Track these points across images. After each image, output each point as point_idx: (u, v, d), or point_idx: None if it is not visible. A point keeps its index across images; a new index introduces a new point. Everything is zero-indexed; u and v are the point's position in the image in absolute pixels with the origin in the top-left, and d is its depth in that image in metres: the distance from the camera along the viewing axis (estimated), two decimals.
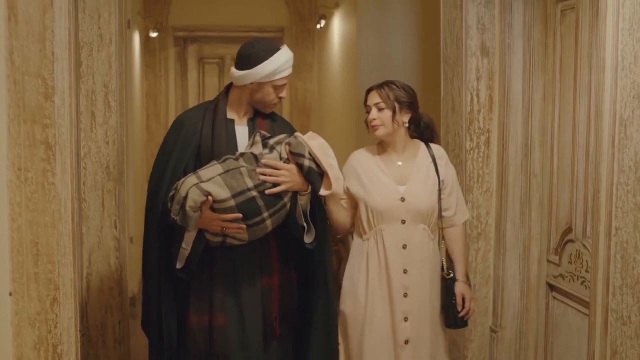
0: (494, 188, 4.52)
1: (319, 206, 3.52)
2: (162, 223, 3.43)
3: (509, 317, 4.53)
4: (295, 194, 3.38)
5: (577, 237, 3.95)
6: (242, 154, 3.35)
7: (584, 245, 3.87)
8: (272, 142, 3.41)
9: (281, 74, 3.47)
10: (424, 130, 3.80)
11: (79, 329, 3.11)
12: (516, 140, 4.38)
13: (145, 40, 9.37)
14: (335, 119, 8.48)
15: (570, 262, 4.03)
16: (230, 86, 3.58)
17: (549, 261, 4.28)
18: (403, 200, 3.64)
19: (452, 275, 3.76)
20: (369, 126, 3.72)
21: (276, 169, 3.32)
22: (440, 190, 3.71)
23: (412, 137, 3.78)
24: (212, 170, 3.28)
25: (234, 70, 3.51)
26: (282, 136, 3.44)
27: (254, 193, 3.27)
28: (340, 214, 3.70)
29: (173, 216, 3.28)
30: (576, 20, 3.93)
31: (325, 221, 3.62)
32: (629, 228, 3.13)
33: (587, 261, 3.83)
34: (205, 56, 10.21)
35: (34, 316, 2.90)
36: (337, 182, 3.39)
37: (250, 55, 3.45)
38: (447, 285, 3.75)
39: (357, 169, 3.74)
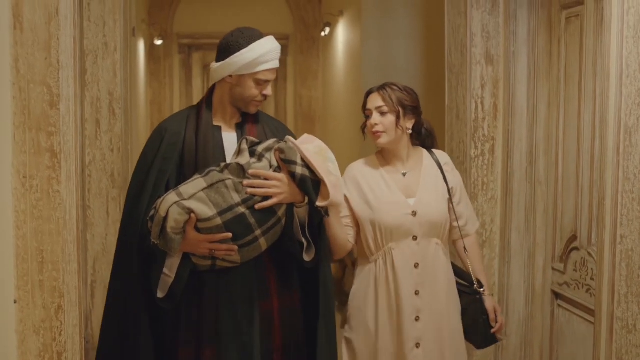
0: (499, 195, 4.51)
1: (319, 219, 3.11)
2: (140, 247, 2.98)
3: (514, 325, 4.52)
4: (290, 207, 3.00)
5: (582, 244, 3.94)
6: (227, 165, 2.95)
7: (588, 253, 3.86)
8: (260, 148, 3.01)
9: (262, 66, 3.06)
10: (425, 137, 3.49)
11: (83, 336, 3.11)
12: (521, 147, 4.38)
13: (150, 48, 9.39)
14: (340, 126, 8.49)
15: (575, 270, 4.02)
16: (213, 88, 3.20)
17: (553, 269, 4.27)
18: (414, 214, 3.29)
19: (483, 289, 3.45)
20: (366, 133, 3.40)
21: (266, 179, 2.93)
22: (449, 199, 3.41)
23: (413, 145, 3.46)
24: (194, 185, 2.90)
25: (212, 64, 3.14)
26: (271, 141, 3.04)
27: (242, 209, 2.89)
28: (340, 230, 3.29)
29: (153, 240, 2.87)
30: (581, 28, 3.93)
31: (326, 237, 3.21)
32: (634, 236, 3.12)
33: (592, 269, 3.82)
34: (209, 63, 10.22)
35: (38, 323, 2.90)
36: (335, 190, 2.98)
37: (228, 43, 3.08)
38: (476, 300, 3.45)
39: (360, 183, 3.38)
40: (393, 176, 3.38)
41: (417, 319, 3.29)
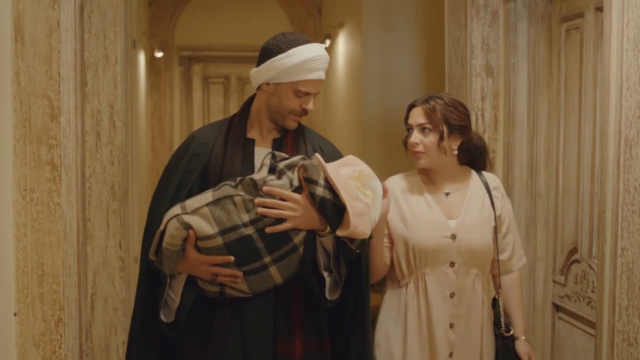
0: None
1: (351, 254, 2.72)
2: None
3: None
4: (312, 234, 2.63)
5: (582, 257, 3.94)
6: (242, 180, 2.63)
7: (589, 266, 3.85)
8: (282, 165, 2.65)
9: (303, 75, 2.71)
10: (476, 157, 3.15)
11: (83, 349, 3.10)
12: (521, 160, 4.38)
13: (150, 60, 9.40)
14: (340, 138, 8.48)
15: (576, 282, 4.01)
16: (252, 98, 2.90)
17: (554, 281, 4.26)
18: (454, 237, 2.97)
19: (511, 332, 3.14)
20: (407, 149, 3.06)
21: (281, 199, 2.58)
22: (496, 227, 3.07)
23: (461, 164, 3.13)
24: (201, 198, 2.63)
25: (252, 70, 2.83)
26: (296, 158, 2.69)
27: (249, 230, 2.56)
28: (380, 255, 2.99)
29: (150, 255, 2.64)
30: (580, 40, 3.93)
31: (363, 272, 2.83)
32: (634, 248, 3.12)
33: (592, 281, 3.81)
34: (210, 76, 10.24)
35: (38, 336, 2.90)
36: (359, 219, 2.58)
37: (268, 46, 2.76)
38: (505, 344, 3.13)
39: (397, 198, 3.04)
40: (435, 195, 3.05)
41: (450, 355, 2.99)
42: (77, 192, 3.02)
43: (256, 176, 2.63)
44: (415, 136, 2.98)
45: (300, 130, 2.87)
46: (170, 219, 2.59)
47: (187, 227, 2.57)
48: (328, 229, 2.61)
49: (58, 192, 2.86)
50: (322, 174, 2.61)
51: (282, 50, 2.71)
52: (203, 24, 9.72)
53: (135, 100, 6.50)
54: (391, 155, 7.07)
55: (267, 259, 2.59)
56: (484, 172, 3.14)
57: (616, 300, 3.17)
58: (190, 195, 2.72)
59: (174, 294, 2.66)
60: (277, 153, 2.71)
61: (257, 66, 2.78)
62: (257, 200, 2.58)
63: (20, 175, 2.82)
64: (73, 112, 2.93)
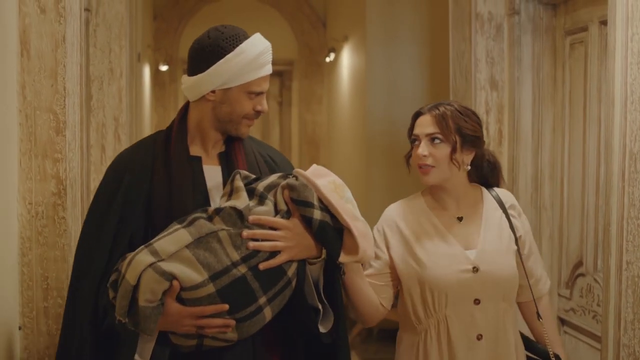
0: None
1: (336, 278, 2.40)
2: (95, 327, 2.26)
3: None
4: (302, 263, 2.27)
5: (587, 270, 3.93)
6: (218, 210, 2.21)
7: (594, 279, 3.84)
8: (260, 186, 2.28)
9: (256, 73, 2.33)
10: (488, 174, 2.76)
11: None
12: (526, 173, 4.37)
13: (155, 73, 9.42)
14: (345, 151, 8.49)
15: (581, 296, 4.00)
16: (186, 108, 2.45)
17: (559, 295, 4.25)
18: (475, 269, 2.55)
19: None
20: (410, 164, 2.68)
21: (272, 228, 2.21)
22: (518, 250, 2.67)
23: (470, 182, 2.73)
24: (175, 238, 2.17)
25: (184, 79, 2.40)
26: (274, 177, 2.32)
27: (242, 270, 2.16)
28: (365, 294, 2.54)
29: (119, 317, 2.14)
30: (585, 54, 3.93)
31: (342, 300, 2.48)
32: None
33: (598, 295, 3.80)
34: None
35: (43, 350, 2.89)
36: (365, 241, 2.27)
37: (205, 48, 2.32)
38: None
39: (401, 230, 2.63)
40: (446, 221, 2.63)
41: None
42: (82, 206, 3.03)
43: (237, 203, 2.21)
44: (424, 147, 2.57)
45: (244, 140, 2.46)
46: (144, 269, 2.11)
47: (170, 277, 2.11)
48: (323, 255, 2.28)
49: (63, 205, 2.86)
50: (314, 193, 2.26)
51: (226, 50, 2.30)
52: None
53: (140, 114, 6.51)
54: (396, 169, 7.07)
55: (262, 300, 2.19)
56: (495, 189, 2.74)
57: (622, 314, 3.16)
58: (133, 236, 2.29)
59: (141, 357, 2.19)
60: (242, 172, 2.31)
61: (192, 73, 2.35)
62: (246, 232, 2.18)
63: (25, 189, 2.82)
64: (78, 126, 2.93)
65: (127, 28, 4.62)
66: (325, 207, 2.26)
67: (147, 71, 8.02)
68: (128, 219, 2.31)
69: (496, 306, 2.58)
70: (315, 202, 2.25)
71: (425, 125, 2.60)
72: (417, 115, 2.65)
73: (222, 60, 2.30)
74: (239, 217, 2.20)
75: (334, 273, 2.37)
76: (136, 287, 2.12)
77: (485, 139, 4.28)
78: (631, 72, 3.08)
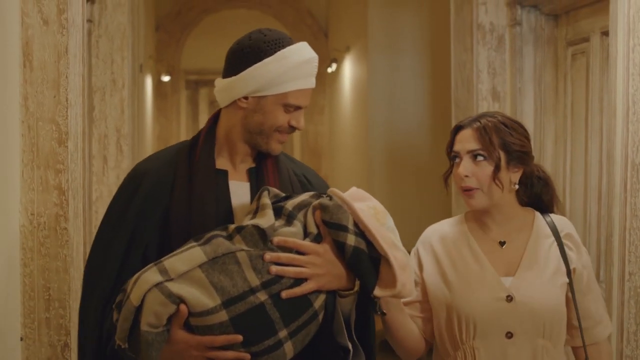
0: None
1: (369, 313, 2.13)
2: (100, 351, 2.05)
3: None
4: (332, 296, 2.00)
5: None
6: (240, 228, 1.95)
7: None
8: (289, 205, 2.01)
9: (295, 83, 2.10)
10: (540, 192, 2.43)
11: None
12: None
13: (157, 84, 9.45)
14: (346, 161, 8.50)
15: None
16: (216, 117, 2.23)
17: None
18: (510, 299, 2.25)
19: None
20: (448, 184, 2.38)
21: (300, 252, 1.95)
22: (570, 285, 2.33)
23: (522, 204, 2.41)
24: (187, 257, 1.92)
25: (217, 80, 2.20)
26: (305, 195, 2.06)
27: (262, 297, 1.89)
28: (408, 329, 2.30)
29: (119, 341, 1.91)
30: (587, 65, 3.94)
31: (374, 339, 2.21)
32: None
33: None
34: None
35: None
36: (404, 273, 1.99)
37: (244, 49, 2.10)
38: None
39: (436, 253, 2.37)
40: (486, 246, 2.35)
41: None
42: (84, 217, 3.03)
43: (261, 222, 1.95)
44: (466, 166, 2.26)
45: (278, 156, 2.22)
46: (149, 289, 1.87)
47: (178, 300, 1.86)
48: (356, 288, 2.00)
49: (65, 216, 2.86)
50: (350, 217, 1.99)
51: (266, 54, 2.07)
52: (209, 48, 9.77)
53: (142, 124, 6.52)
54: (397, 179, 7.09)
55: (283, 333, 1.91)
56: (552, 215, 2.42)
57: (624, 325, 3.15)
58: (147, 254, 2.07)
59: None
60: (271, 189, 2.06)
61: (226, 75, 2.14)
62: (269, 255, 1.92)
63: (27, 200, 2.82)
64: (80, 137, 2.94)
65: (129, 39, 4.63)
66: (362, 232, 1.99)
67: (149, 82, 8.04)
68: (142, 234, 2.08)
69: (533, 343, 2.26)
70: (350, 226, 1.98)
71: (467, 140, 2.28)
72: (458, 129, 2.33)
73: (259, 64, 2.07)
74: (261, 238, 1.93)
75: (367, 308, 2.08)
76: (139, 309, 1.87)
77: None
78: (633, 82, 3.08)
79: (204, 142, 2.16)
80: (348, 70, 8.41)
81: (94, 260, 2.14)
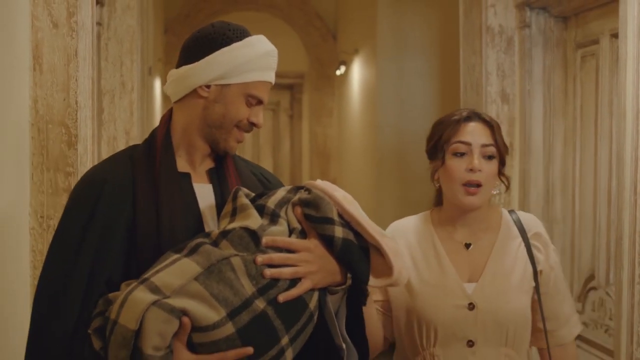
0: None
1: (359, 308, 1.99)
2: None
3: None
4: (324, 293, 1.90)
5: (599, 284, 3.91)
6: (225, 233, 1.81)
7: (607, 293, 3.83)
8: (270, 203, 1.88)
9: (261, 74, 1.98)
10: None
11: None
12: (537, 186, 4.36)
13: None
14: (355, 164, 8.49)
15: (593, 310, 3.98)
16: (169, 116, 2.06)
17: None
18: (472, 307, 2.17)
19: None
20: (435, 180, 2.28)
21: (289, 250, 1.83)
22: (537, 288, 2.25)
23: None
24: (178, 269, 1.76)
25: (172, 72, 2.03)
26: (281, 191, 1.93)
27: (261, 304, 1.76)
28: (376, 325, 2.25)
29: None
30: (596, 67, 3.93)
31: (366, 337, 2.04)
32: None
33: (610, 309, 3.79)
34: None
35: None
36: (398, 260, 1.90)
37: (208, 35, 1.97)
38: None
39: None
40: (451, 248, 2.26)
41: None
42: None
43: (249, 223, 1.82)
44: (479, 162, 2.17)
45: (235, 156, 2.10)
46: (148, 308, 1.69)
47: (181, 314, 1.70)
48: (348, 282, 1.91)
49: None
50: (333, 208, 1.88)
51: (233, 39, 1.95)
52: None
53: (151, 127, 6.52)
54: (406, 182, 7.08)
55: (285, 340, 1.79)
56: (518, 212, 2.34)
57: (634, 328, 3.15)
58: (111, 275, 1.86)
59: None
60: (242, 189, 1.92)
61: (183, 63, 1.98)
62: (261, 258, 1.78)
63: (37, 203, 2.83)
64: (90, 140, 2.94)
65: (139, 42, 4.64)
66: (347, 223, 1.89)
67: (158, 85, 8.04)
68: (106, 252, 1.87)
69: (496, 352, 2.18)
70: (336, 218, 1.87)
71: (480, 133, 2.20)
72: (466, 119, 2.22)
73: (227, 48, 1.94)
74: (253, 240, 1.80)
75: (358, 302, 1.97)
76: (138, 332, 1.69)
77: None
78: None
79: (162, 144, 1.98)
80: (357, 73, 8.40)
81: (50, 288, 1.87)
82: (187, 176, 1.99)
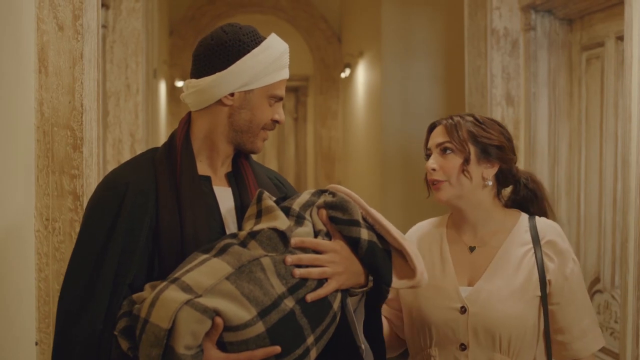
0: None
1: (378, 310, 2.07)
2: None
3: None
4: (345, 294, 1.93)
5: (605, 287, 3.91)
6: (254, 234, 1.85)
7: (612, 296, 3.82)
8: (295, 205, 1.93)
9: (279, 74, 2.04)
10: (525, 200, 2.35)
11: None
12: None
13: (171, 89, 9.46)
14: (360, 167, 8.49)
15: (598, 313, 3.98)
16: (187, 121, 2.09)
17: None
18: (463, 310, 2.19)
19: None
20: (429, 185, 2.30)
21: (316, 251, 1.88)
22: (543, 297, 2.20)
23: (508, 207, 2.35)
24: (209, 269, 1.79)
25: (192, 82, 2.05)
26: (305, 194, 1.98)
27: (290, 303, 1.80)
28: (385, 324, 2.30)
29: None
30: (601, 69, 3.93)
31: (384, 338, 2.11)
32: None
33: (615, 312, 3.78)
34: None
35: None
36: (420, 262, 1.96)
37: (225, 43, 1.99)
38: None
39: None
40: (457, 250, 2.29)
41: None
42: None
43: (278, 224, 1.86)
44: (433, 160, 2.25)
45: (251, 160, 2.16)
46: (180, 307, 1.72)
47: (214, 314, 1.73)
48: (370, 284, 1.95)
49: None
50: (359, 211, 1.94)
51: (252, 45, 2.00)
52: None
53: (156, 129, 6.54)
54: (411, 184, 7.08)
55: (310, 340, 1.82)
56: (538, 219, 2.30)
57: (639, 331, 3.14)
58: (134, 277, 1.90)
59: None
60: (264, 191, 1.97)
61: (205, 74, 2.02)
62: (290, 258, 1.83)
63: (42, 205, 2.83)
64: (95, 142, 2.94)
65: (144, 44, 4.64)
66: (371, 226, 1.95)
67: (163, 87, 8.05)
68: (130, 254, 1.91)
69: (490, 357, 2.18)
70: (361, 221, 1.93)
71: (436, 135, 2.28)
72: (432, 127, 2.33)
73: (248, 56, 1.98)
74: (281, 240, 1.84)
75: (377, 304, 2.02)
76: (170, 332, 1.71)
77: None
78: None
79: (183, 148, 2.02)
80: (361, 76, 8.40)
81: (81, 279, 1.91)
82: (207, 179, 2.03)
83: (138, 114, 4.65)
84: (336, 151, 10.01)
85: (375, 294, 1.98)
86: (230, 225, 2.01)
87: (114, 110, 4.59)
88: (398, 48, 7.07)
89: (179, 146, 2.02)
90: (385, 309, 2.35)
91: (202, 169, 2.04)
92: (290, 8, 9.95)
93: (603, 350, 3.93)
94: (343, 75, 9.34)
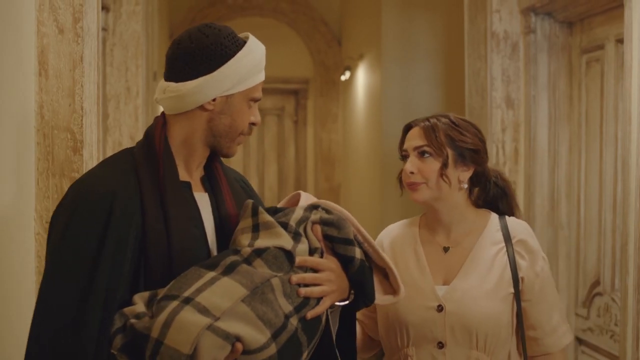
0: None
1: (352, 322, 2.11)
2: None
3: None
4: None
5: (605, 289, 3.91)
6: (259, 251, 1.83)
7: (612, 299, 3.82)
8: (292, 221, 1.91)
9: (259, 75, 2.00)
10: (494, 198, 2.41)
11: None
12: (542, 191, 4.36)
13: None
14: (360, 170, 8.49)
15: (598, 316, 3.98)
16: (162, 122, 2.02)
17: (577, 314, 4.23)
18: (440, 308, 2.25)
19: None
20: (402, 184, 2.37)
21: (315, 270, 1.91)
22: (516, 294, 2.28)
23: (478, 207, 2.41)
24: (223, 291, 1.76)
25: (171, 86, 1.96)
26: (299, 210, 1.96)
27: (294, 322, 1.81)
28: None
29: None
30: (601, 72, 3.93)
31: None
32: None
33: (615, 314, 3.78)
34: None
35: None
36: (398, 280, 2.05)
37: (209, 46, 1.93)
38: None
39: (386, 254, 2.26)
40: (431, 251, 2.35)
41: None
42: None
43: (283, 243, 1.85)
44: (411, 163, 2.29)
45: (221, 163, 2.12)
46: (201, 331, 1.68)
47: (234, 340, 1.71)
48: (351, 298, 1.99)
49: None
50: (352, 229, 1.96)
51: (232, 50, 1.94)
52: None
53: None
54: None
55: (305, 355, 1.85)
56: (508, 218, 2.37)
57: None
58: (126, 284, 1.84)
59: None
60: (251, 202, 1.94)
61: (184, 79, 1.94)
62: (296, 277, 1.84)
63: (42, 208, 2.83)
64: (95, 145, 2.94)
65: (144, 47, 4.65)
66: (360, 244, 1.98)
67: None
68: (120, 266, 1.83)
69: (467, 354, 2.23)
70: (354, 239, 1.96)
71: (414, 138, 2.32)
72: (408, 128, 2.37)
73: (232, 60, 1.93)
74: (288, 260, 1.84)
75: (352, 318, 2.07)
76: (192, 358, 1.68)
77: (501, 157, 4.32)
78: None
79: (164, 153, 1.95)
80: (361, 78, 8.41)
81: (70, 293, 1.81)
82: (187, 185, 1.99)
83: (138, 116, 4.64)
84: (336, 154, 10.00)
85: (353, 305, 2.03)
86: (209, 234, 1.97)
87: (114, 113, 4.58)
88: (398, 51, 7.07)
89: (160, 151, 1.95)
90: (364, 311, 2.41)
91: (181, 173, 1.98)
92: (290, 11, 9.95)
93: (603, 353, 3.93)
94: (343, 78, 9.34)
